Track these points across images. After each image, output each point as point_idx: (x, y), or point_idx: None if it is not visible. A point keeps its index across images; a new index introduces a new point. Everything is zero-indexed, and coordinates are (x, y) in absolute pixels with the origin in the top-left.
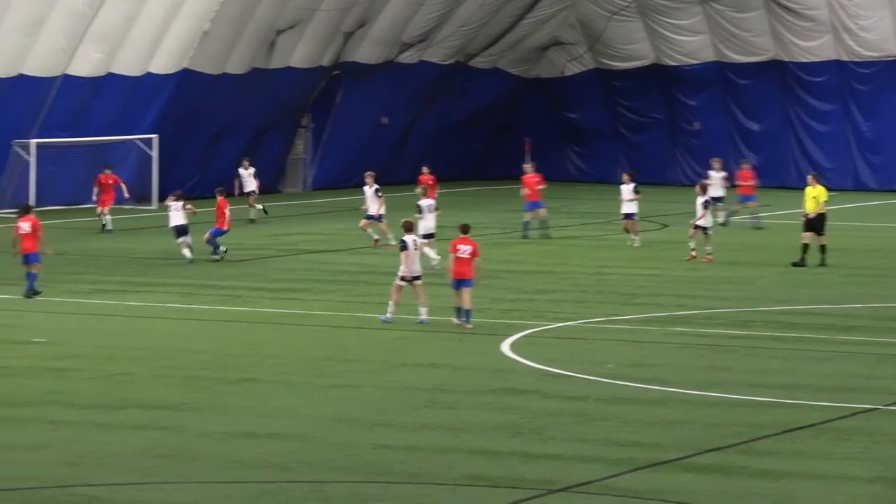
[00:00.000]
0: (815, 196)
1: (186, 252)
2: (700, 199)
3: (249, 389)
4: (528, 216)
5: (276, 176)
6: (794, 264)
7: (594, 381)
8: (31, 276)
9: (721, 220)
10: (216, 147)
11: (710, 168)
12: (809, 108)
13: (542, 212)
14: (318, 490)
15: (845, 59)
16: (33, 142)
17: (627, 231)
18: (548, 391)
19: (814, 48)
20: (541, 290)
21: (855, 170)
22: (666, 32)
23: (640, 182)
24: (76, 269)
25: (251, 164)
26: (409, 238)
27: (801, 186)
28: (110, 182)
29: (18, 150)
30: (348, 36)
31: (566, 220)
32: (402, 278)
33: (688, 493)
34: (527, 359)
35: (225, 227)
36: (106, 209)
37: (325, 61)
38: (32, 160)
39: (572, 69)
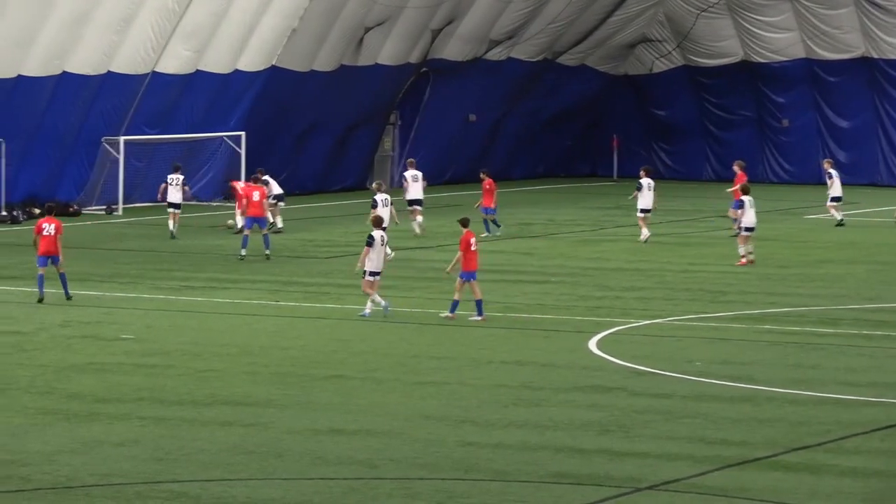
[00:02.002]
0: None
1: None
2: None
3: (337, 386)
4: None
5: (364, 173)
6: None
7: (681, 379)
8: (62, 278)
9: (838, 218)
10: (304, 144)
11: (823, 169)
12: None
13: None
14: (404, 487)
15: None
16: (122, 139)
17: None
18: (635, 389)
19: None
20: (628, 288)
21: None
22: (755, 29)
23: (728, 179)
24: (165, 265)
25: (183, 178)
26: (376, 233)
27: (890, 184)
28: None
29: (107, 147)
30: (436, 33)
31: (654, 217)
32: (371, 273)
33: (775, 491)
34: (614, 356)
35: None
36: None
37: (414, 58)
38: (121, 157)
39: (660, 66)
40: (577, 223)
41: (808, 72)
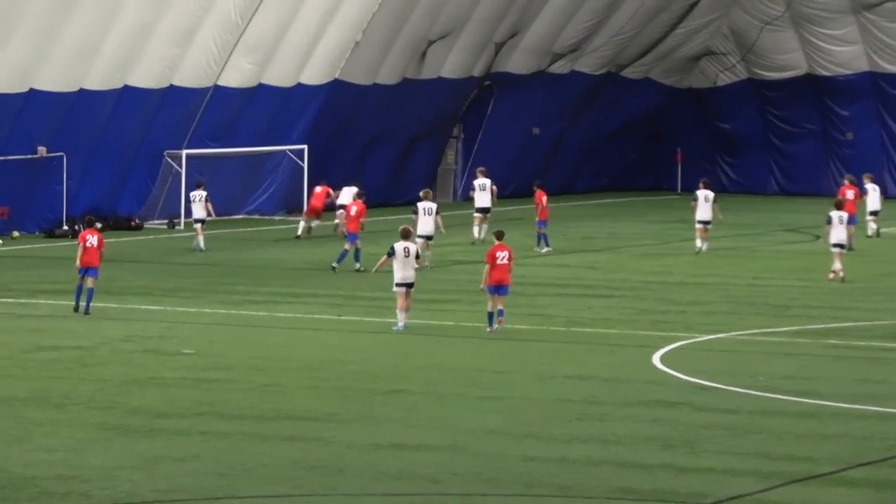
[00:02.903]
0: None
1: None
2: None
3: (398, 400)
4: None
5: (428, 186)
6: None
7: (746, 394)
8: (89, 293)
9: (871, 233)
10: (367, 158)
11: (862, 182)
12: None
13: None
14: (467, 502)
15: None
16: (184, 152)
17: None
18: (699, 404)
19: None
20: (692, 302)
21: None
22: (819, 42)
23: (792, 192)
24: (227, 279)
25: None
26: (399, 245)
27: None
28: (319, 192)
29: (170, 160)
30: (500, 46)
31: (718, 231)
32: (398, 284)
33: None
34: (678, 371)
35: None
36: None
37: (477, 71)
38: (183, 171)
39: (724, 79)
40: (641, 237)
41: (872, 85)
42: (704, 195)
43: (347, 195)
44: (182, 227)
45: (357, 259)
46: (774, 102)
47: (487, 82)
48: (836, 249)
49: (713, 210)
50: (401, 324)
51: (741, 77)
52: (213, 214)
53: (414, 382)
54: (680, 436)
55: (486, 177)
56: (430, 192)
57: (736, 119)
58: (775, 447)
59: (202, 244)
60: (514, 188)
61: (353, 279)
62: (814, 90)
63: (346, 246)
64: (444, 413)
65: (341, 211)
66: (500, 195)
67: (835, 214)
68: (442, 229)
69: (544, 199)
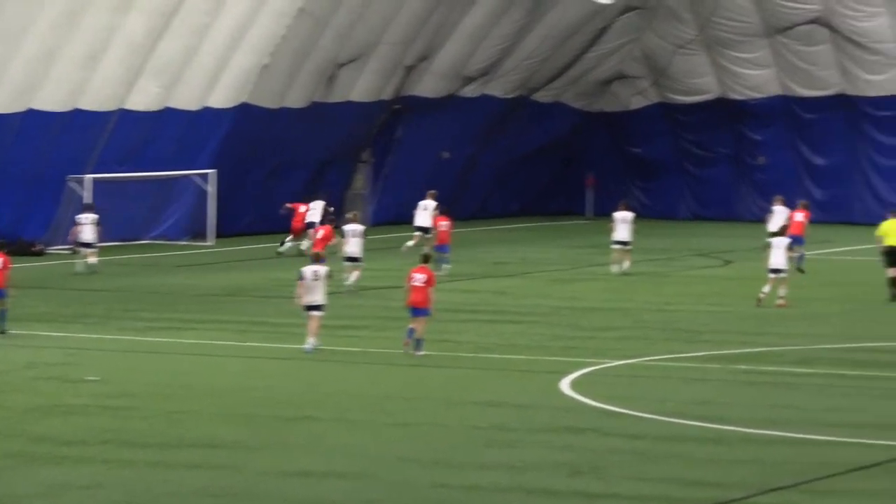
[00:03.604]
0: None
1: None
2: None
3: (307, 428)
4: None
5: (336, 211)
6: (894, 300)
7: (655, 420)
8: (1, 313)
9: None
10: (276, 182)
11: (772, 204)
12: (876, 142)
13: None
14: None
15: None
16: (88, 177)
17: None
18: (608, 429)
19: (881, 82)
20: (603, 328)
21: None
22: (732, 66)
23: (705, 217)
24: (131, 305)
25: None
26: (307, 269)
27: (867, 222)
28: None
29: (73, 185)
30: (410, 69)
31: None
32: (306, 307)
33: None
34: (588, 397)
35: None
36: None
37: (386, 95)
38: (87, 195)
39: (637, 103)
40: (552, 262)
41: (785, 109)
42: (622, 216)
43: (317, 212)
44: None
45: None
46: (687, 126)
47: (397, 106)
48: (772, 275)
49: (632, 231)
50: (308, 346)
51: (653, 101)
52: (100, 241)
53: (322, 409)
54: (589, 462)
55: (435, 199)
56: (358, 215)
57: (648, 143)
58: (685, 473)
59: (90, 264)
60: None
61: (259, 305)
62: (726, 114)
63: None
64: (353, 440)
65: (311, 230)
66: (408, 220)
67: (774, 240)
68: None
69: (443, 223)
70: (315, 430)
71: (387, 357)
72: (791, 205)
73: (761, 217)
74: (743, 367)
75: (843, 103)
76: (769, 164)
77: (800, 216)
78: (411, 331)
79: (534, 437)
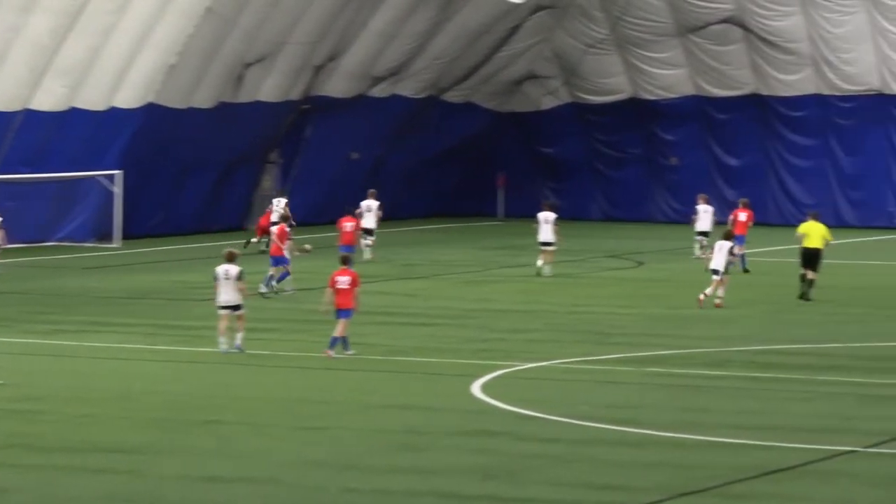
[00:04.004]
0: (822, 235)
1: None
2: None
3: (215, 431)
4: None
5: (244, 212)
6: (802, 297)
7: (568, 423)
8: None
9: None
10: (183, 183)
11: (697, 203)
12: (789, 142)
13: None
14: None
15: (826, 92)
16: None
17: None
18: (521, 433)
19: (794, 82)
20: (514, 330)
21: (835, 206)
22: (643, 66)
23: (617, 218)
24: (37, 308)
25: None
26: (220, 268)
27: (781, 223)
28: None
29: None
30: (318, 69)
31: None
32: (219, 307)
33: None
34: (499, 400)
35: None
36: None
37: (295, 95)
38: None
39: (548, 103)
40: (463, 264)
41: (697, 109)
42: (545, 217)
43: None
44: None
45: (279, 280)
46: (599, 127)
47: (306, 106)
48: (715, 276)
49: (554, 232)
50: (223, 346)
51: (565, 101)
52: (5, 243)
53: (231, 413)
54: (501, 466)
55: (376, 199)
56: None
57: (560, 143)
58: (598, 476)
59: None
60: (333, 215)
61: (167, 308)
62: (638, 114)
63: (271, 270)
64: (263, 444)
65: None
66: (318, 222)
67: (718, 243)
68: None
69: (347, 224)
70: (224, 433)
71: (297, 360)
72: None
73: (675, 218)
74: (655, 369)
75: (756, 103)
76: (682, 164)
77: (743, 216)
78: (334, 340)
79: (445, 440)
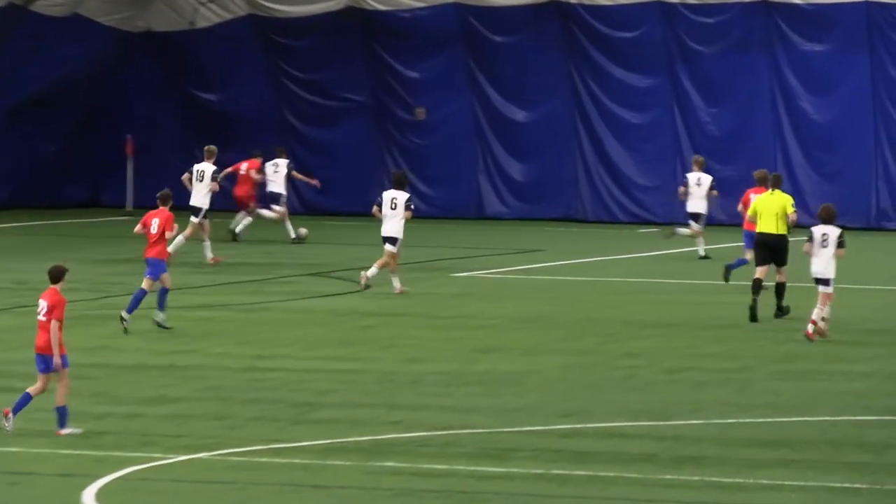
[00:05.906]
0: (776, 209)
1: None
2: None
3: None
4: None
5: None
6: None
7: None
8: None
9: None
10: None
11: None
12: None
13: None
14: None
15: None
16: None
17: None
18: None
19: None
20: (154, 399)
21: None
22: None
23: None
24: None
25: None
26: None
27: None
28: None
29: None
30: None
31: (200, 277)
32: None
33: None
34: None
35: None
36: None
37: None
38: None
39: (209, 18)
40: (72, 286)
41: (460, 25)
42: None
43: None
44: None
45: (160, 306)
46: (293, 57)
47: None
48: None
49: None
50: None
51: (238, 14)
52: None
53: None
54: None
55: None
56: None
57: (229, 85)
58: None
59: None
60: None
61: None
62: (361, 35)
63: (144, 284)
64: None
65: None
66: None
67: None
68: None
69: None
70: None
71: None
72: None
73: (430, 213)
74: (390, 464)
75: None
76: (434, 118)
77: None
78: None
79: None
